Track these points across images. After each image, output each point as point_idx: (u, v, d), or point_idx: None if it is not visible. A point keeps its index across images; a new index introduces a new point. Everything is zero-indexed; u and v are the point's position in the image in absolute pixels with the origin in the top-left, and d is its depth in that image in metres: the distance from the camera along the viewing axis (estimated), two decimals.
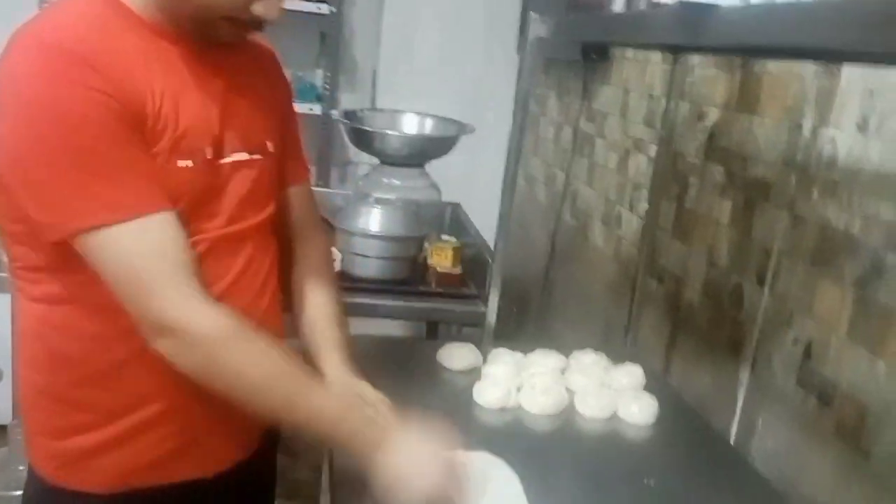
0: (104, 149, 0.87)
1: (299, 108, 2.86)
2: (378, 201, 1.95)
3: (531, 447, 1.19)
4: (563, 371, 1.42)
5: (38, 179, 0.87)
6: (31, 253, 0.94)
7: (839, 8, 0.60)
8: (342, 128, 2.29)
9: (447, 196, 2.30)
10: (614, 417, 1.31)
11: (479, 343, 1.51)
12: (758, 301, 1.37)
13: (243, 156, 1.03)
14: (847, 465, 1.11)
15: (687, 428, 1.33)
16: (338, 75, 3.02)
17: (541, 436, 1.25)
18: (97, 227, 0.87)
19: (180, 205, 0.94)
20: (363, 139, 2.13)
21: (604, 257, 2.16)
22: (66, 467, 1.01)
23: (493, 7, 3.07)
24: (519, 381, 1.35)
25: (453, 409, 1.28)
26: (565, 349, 1.49)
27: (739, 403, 1.39)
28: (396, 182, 2.11)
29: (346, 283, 1.83)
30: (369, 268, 1.89)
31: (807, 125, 1.28)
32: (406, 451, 0.93)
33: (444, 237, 2.13)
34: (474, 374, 1.39)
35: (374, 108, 2.95)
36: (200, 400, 0.97)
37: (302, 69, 3.04)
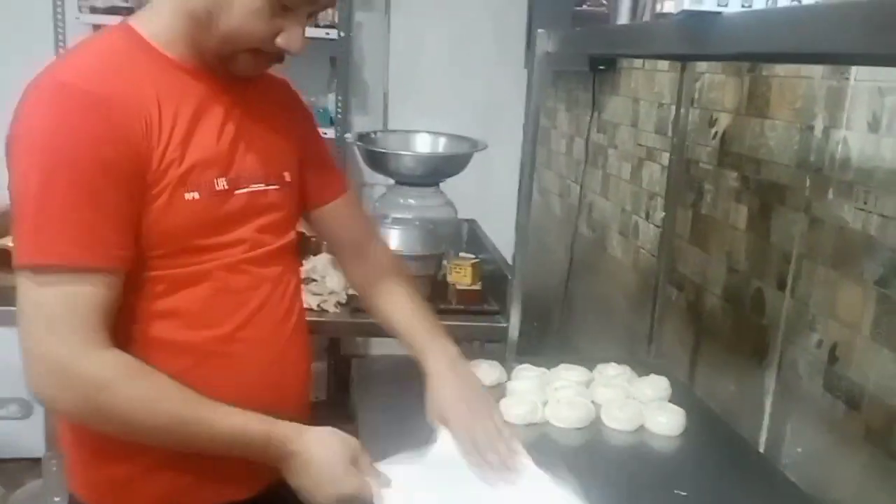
0: (73, 198, 0.87)
1: None
2: (395, 221, 1.96)
3: (560, 461, 1.18)
4: (587, 384, 1.42)
5: (17, 209, 0.89)
6: None
7: (843, 10, 0.60)
8: (356, 150, 2.31)
9: (463, 213, 2.30)
10: (641, 429, 1.30)
11: (502, 359, 1.51)
12: (779, 305, 1.36)
13: (260, 186, 1.05)
14: (878, 469, 1.10)
15: (715, 437, 1.32)
16: (349, 99, 3.05)
17: (569, 450, 1.25)
18: (30, 266, 0.88)
19: (192, 235, 0.96)
20: (377, 161, 2.15)
21: (623, 268, 2.15)
22: (108, 494, 1.03)
23: (500, 24, 3.10)
24: (544, 395, 1.35)
25: None
26: (589, 362, 1.49)
27: (767, 410, 1.38)
28: (412, 202, 2.13)
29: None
30: None
31: (818, 126, 1.28)
32: (307, 471, 0.96)
33: (462, 254, 2.14)
34: (499, 390, 1.39)
35: (386, 130, 2.98)
36: None
37: (314, 94, 3.07)
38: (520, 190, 1.52)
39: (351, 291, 1.85)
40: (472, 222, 2.58)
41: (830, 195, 1.24)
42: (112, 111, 0.89)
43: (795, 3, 0.73)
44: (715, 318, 1.59)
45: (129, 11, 2.09)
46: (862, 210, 1.16)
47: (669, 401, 1.37)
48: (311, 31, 3.15)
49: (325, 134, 2.92)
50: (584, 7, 2.04)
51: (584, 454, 1.24)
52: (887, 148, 1.12)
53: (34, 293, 0.88)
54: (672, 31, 0.93)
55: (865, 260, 1.15)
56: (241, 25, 0.93)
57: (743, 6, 0.76)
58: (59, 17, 2.76)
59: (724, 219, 1.57)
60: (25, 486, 2.52)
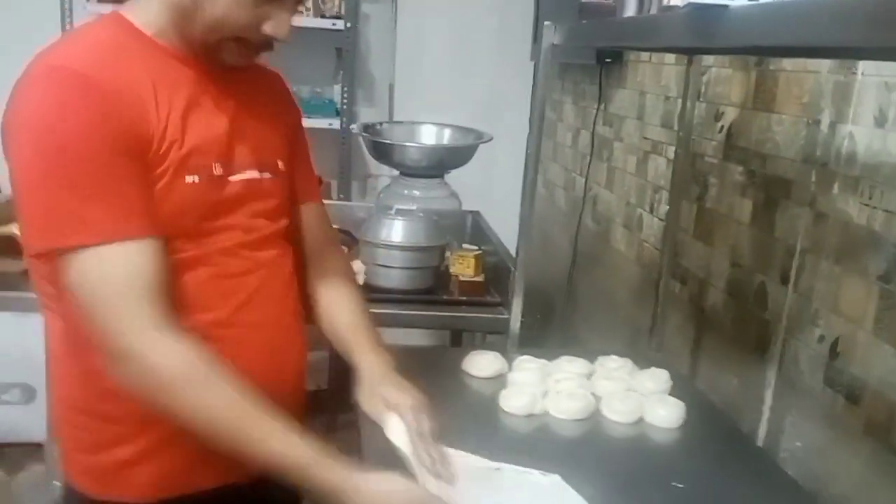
0: (92, 173, 0.89)
1: (319, 123, 2.93)
2: (399, 212, 1.97)
3: (559, 453, 1.19)
4: (588, 376, 1.42)
5: (28, 197, 0.91)
6: (47, 266, 0.96)
7: (850, 4, 0.60)
8: (362, 141, 2.32)
9: (467, 205, 2.31)
10: (641, 421, 1.30)
11: (503, 350, 1.51)
12: (782, 300, 1.36)
13: (254, 174, 1.06)
14: (878, 464, 1.10)
15: (714, 430, 1.32)
16: (355, 90, 3.06)
17: (568, 441, 1.25)
18: (72, 248, 0.89)
19: (191, 218, 0.97)
20: (383, 152, 2.15)
21: (626, 261, 2.15)
22: (104, 480, 1.03)
23: (506, 16, 3.09)
24: (545, 387, 1.35)
25: (480, 416, 1.28)
26: (590, 354, 1.49)
27: (767, 404, 1.38)
28: (416, 193, 2.13)
29: (370, 293, 1.84)
30: (392, 278, 1.91)
31: (824, 121, 1.28)
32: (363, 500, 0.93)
33: (466, 246, 2.14)
34: (500, 381, 1.40)
35: (392, 121, 2.98)
36: None
37: (320, 85, 3.07)
38: (524, 182, 1.52)
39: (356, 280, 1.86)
40: (476, 214, 2.58)
41: (836, 190, 1.23)
42: (108, 93, 0.90)
43: None
44: (717, 311, 1.59)
45: None
46: (867, 205, 1.16)
47: (670, 394, 1.37)
48: (317, 22, 3.18)
49: (331, 125, 2.95)
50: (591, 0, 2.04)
51: (583, 446, 1.24)
52: (894, 143, 1.12)
53: (88, 274, 0.89)
54: (679, 24, 0.93)
55: (869, 255, 1.14)
56: (225, 14, 0.94)
57: None
58: (67, 5, 2.76)
59: (728, 213, 1.57)
60: (27, 470, 2.53)
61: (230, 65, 1.02)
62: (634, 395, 1.35)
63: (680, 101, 1.59)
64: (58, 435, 1.08)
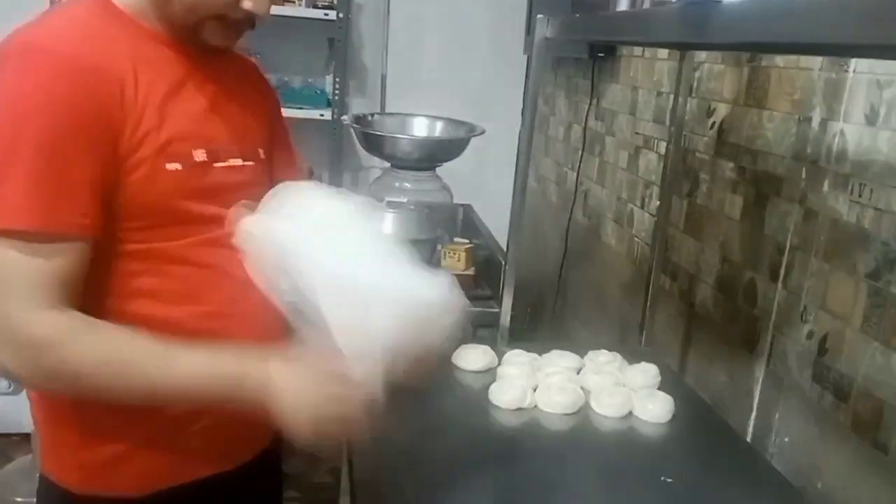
0: (41, 156, 0.85)
1: (311, 113, 2.91)
2: (390, 205, 1.96)
3: (548, 446, 1.19)
4: (578, 371, 1.43)
5: None
6: None
7: (842, 1, 0.60)
8: (353, 132, 2.31)
9: (458, 198, 2.30)
10: (630, 416, 1.31)
11: (494, 344, 1.52)
12: (771, 296, 1.36)
13: (238, 161, 1.04)
14: (864, 460, 1.11)
15: (703, 425, 1.33)
16: (347, 80, 3.04)
17: (557, 435, 1.25)
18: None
19: (173, 206, 0.95)
20: (374, 143, 2.15)
21: (617, 256, 2.16)
22: (93, 476, 1.02)
23: (500, 8, 3.08)
24: (534, 381, 1.35)
25: (470, 409, 1.29)
26: (580, 349, 1.50)
27: (756, 400, 1.39)
28: (408, 185, 2.12)
29: None
30: None
31: (816, 118, 1.28)
32: (289, 392, 0.90)
33: (457, 239, 2.14)
34: (490, 374, 1.40)
35: (384, 113, 2.96)
36: None
37: (312, 76, 3.06)
38: (516, 176, 1.52)
39: None
40: (467, 207, 2.58)
41: (826, 187, 1.24)
42: (84, 73, 0.87)
43: None
44: (707, 307, 1.60)
45: None
46: (857, 203, 1.16)
47: (659, 388, 1.38)
48: (309, 12, 3.15)
49: (322, 115, 2.93)
50: None
51: (572, 440, 1.24)
52: (884, 141, 1.12)
53: None
54: (671, 19, 0.93)
55: (858, 253, 1.15)
56: None
57: None
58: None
59: (719, 209, 1.57)
60: (15, 460, 2.52)
61: (212, 45, 1.00)
62: (624, 390, 1.35)
63: (672, 96, 1.59)
64: (37, 429, 1.06)
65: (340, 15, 2.85)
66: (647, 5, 1.07)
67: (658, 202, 1.67)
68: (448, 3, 3.09)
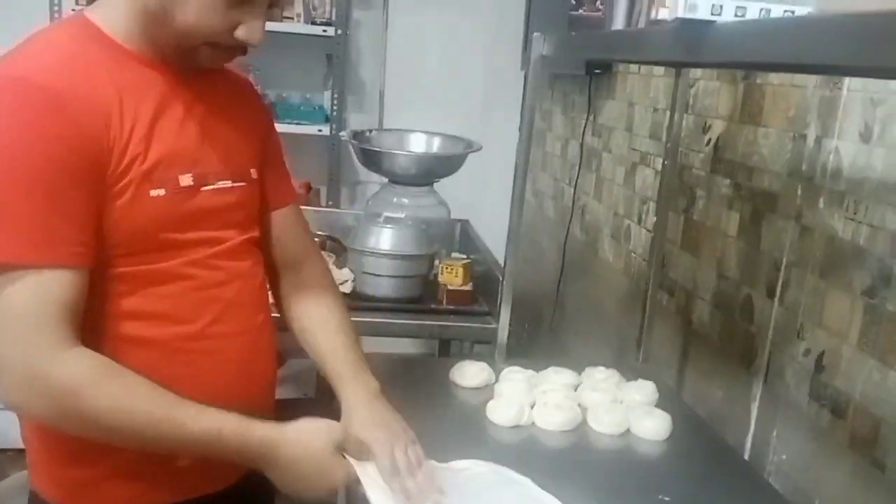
0: (35, 191, 0.85)
1: (309, 129, 2.93)
2: (388, 220, 1.97)
3: (545, 464, 1.19)
4: (575, 388, 1.42)
5: None
6: None
7: (835, 23, 0.61)
8: (351, 148, 2.31)
9: (456, 213, 2.31)
10: (628, 433, 1.30)
11: (491, 360, 1.51)
12: (768, 313, 1.36)
13: (227, 183, 1.03)
14: (862, 477, 1.11)
15: (700, 443, 1.32)
16: (345, 96, 3.06)
17: (555, 452, 1.25)
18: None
19: (159, 232, 0.94)
20: (372, 159, 2.15)
21: (614, 272, 2.16)
22: (75, 494, 1.02)
23: (497, 25, 3.10)
24: (532, 398, 1.35)
25: (467, 427, 1.28)
26: (577, 365, 1.49)
27: (753, 417, 1.39)
28: (406, 201, 2.13)
29: (358, 302, 1.84)
30: (380, 286, 1.91)
31: (811, 135, 1.29)
32: (292, 470, 0.96)
33: (454, 254, 2.14)
34: (487, 391, 1.40)
35: (381, 128, 2.98)
36: None
37: (310, 91, 3.07)
38: (513, 191, 1.52)
39: (344, 288, 1.86)
40: (464, 223, 2.59)
41: (821, 204, 1.24)
42: (70, 107, 0.87)
43: (788, 13, 0.73)
44: (704, 324, 1.60)
45: None
46: (852, 220, 1.16)
47: (656, 406, 1.37)
48: (307, 28, 3.17)
49: (320, 131, 2.94)
50: (581, 12, 2.05)
51: (569, 457, 1.24)
52: (878, 158, 1.13)
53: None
54: (666, 38, 0.94)
55: (854, 269, 1.15)
56: (197, 20, 0.91)
57: (736, 16, 0.76)
58: (56, 8, 2.75)
59: (715, 225, 1.58)
60: (10, 476, 2.51)
61: (202, 67, 0.99)
62: (621, 407, 1.35)
63: (668, 113, 1.60)
64: (26, 445, 1.05)
65: (339, 31, 2.87)
66: (642, 24, 1.08)
67: (654, 218, 1.67)
68: (446, 19, 3.11)
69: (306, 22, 2.86)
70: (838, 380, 1.17)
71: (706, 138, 1.64)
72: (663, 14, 0.93)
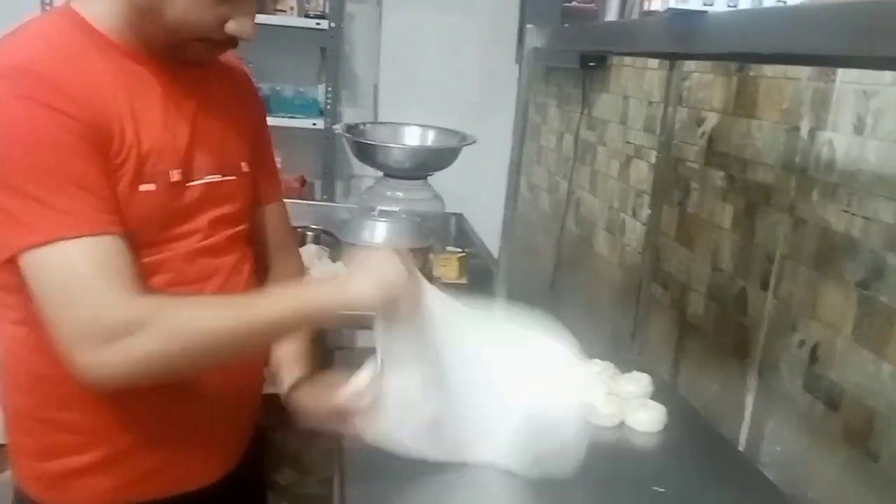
0: (59, 167, 0.85)
1: (303, 122, 2.92)
2: (382, 214, 1.96)
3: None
4: None
5: None
6: (6, 275, 0.91)
7: (828, 12, 0.60)
8: (345, 142, 2.31)
9: (450, 207, 2.30)
10: (622, 425, 1.30)
11: None
12: (762, 305, 1.36)
13: (216, 177, 1.02)
14: (856, 469, 1.11)
15: (695, 435, 1.32)
16: (339, 90, 3.05)
17: None
18: (42, 244, 0.84)
19: (147, 227, 0.93)
20: (366, 152, 2.14)
21: (609, 265, 2.16)
22: (53, 487, 1.01)
23: (492, 18, 3.09)
24: None
25: None
26: None
27: (748, 409, 1.39)
28: (400, 194, 2.12)
29: None
30: None
31: (804, 128, 1.29)
32: (359, 269, 0.98)
33: (449, 248, 2.14)
34: None
35: (376, 122, 2.97)
36: (184, 417, 0.99)
37: (304, 85, 3.06)
38: (508, 185, 1.52)
39: None
40: (459, 216, 2.58)
41: (815, 196, 1.24)
42: (73, 94, 0.86)
43: (781, 3, 0.73)
44: (698, 316, 1.60)
45: None
46: (845, 212, 1.17)
47: (651, 398, 1.37)
48: (301, 21, 3.15)
49: (314, 125, 2.94)
50: (574, 3, 2.04)
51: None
52: (871, 150, 1.13)
53: (56, 268, 0.85)
54: (659, 29, 0.94)
55: (848, 261, 1.15)
56: (185, 15, 0.90)
57: (728, 6, 0.76)
58: (48, 4, 2.73)
59: (709, 218, 1.58)
60: (4, 472, 2.51)
61: (193, 61, 0.98)
62: (616, 399, 1.35)
63: (662, 105, 1.60)
64: (8, 439, 1.04)
65: (332, 24, 2.85)
66: (635, 16, 1.08)
67: (649, 211, 1.67)
68: (440, 13, 3.10)
69: (300, 15, 2.85)
70: (832, 371, 1.17)
71: (700, 131, 1.64)
72: (656, 5, 0.93)
